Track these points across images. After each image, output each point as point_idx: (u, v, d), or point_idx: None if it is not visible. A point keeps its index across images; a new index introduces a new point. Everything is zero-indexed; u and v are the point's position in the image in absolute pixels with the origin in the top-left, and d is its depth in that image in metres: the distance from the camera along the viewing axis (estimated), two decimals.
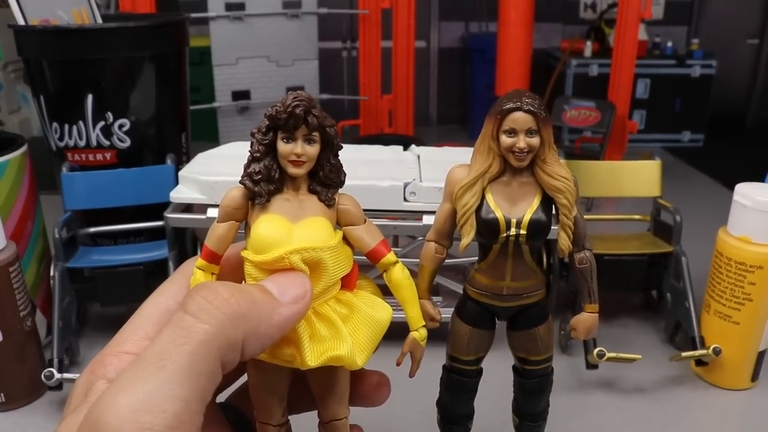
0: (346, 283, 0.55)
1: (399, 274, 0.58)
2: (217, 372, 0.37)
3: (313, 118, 0.52)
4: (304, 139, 0.52)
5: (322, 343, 0.50)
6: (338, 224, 0.57)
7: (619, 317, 1.37)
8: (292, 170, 0.53)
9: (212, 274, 0.53)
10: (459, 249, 0.65)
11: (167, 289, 0.51)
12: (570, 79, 3.08)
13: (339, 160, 0.56)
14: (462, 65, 3.67)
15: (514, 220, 0.64)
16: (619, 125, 2.66)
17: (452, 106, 3.84)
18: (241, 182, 0.54)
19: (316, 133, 0.53)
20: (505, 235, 0.64)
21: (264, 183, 0.53)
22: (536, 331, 0.69)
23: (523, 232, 0.63)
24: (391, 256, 0.58)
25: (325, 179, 0.55)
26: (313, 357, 0.49)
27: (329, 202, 0.55)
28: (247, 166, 0.54)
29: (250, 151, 0.54)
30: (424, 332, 0.61)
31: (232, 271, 0.54)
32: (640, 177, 1.42)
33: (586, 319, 0.68)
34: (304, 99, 0.52)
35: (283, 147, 0.52)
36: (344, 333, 0.51)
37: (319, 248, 0.51)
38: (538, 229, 0.64)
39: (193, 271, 0.53)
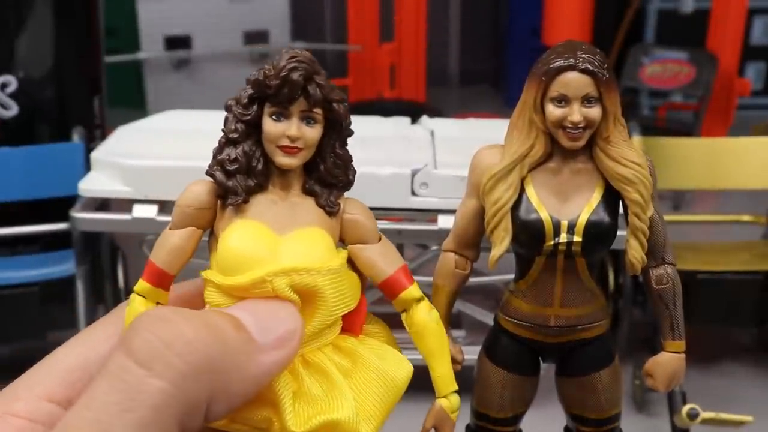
0: (350, 324, 0.56)
1: (425, 317, 0.58)
2: None
3: (316, 88, 0.53)
4: (301, 116, 0.53)
5: (311, 405, 0.51)
6: (341, 241, 0.57)
7: (721, 361, 1.39)
8: (282, 160, 0.53)
9: (157, 304, 0.53)
10: (488, 263, 0.66)
11: (92, 335, 0.51)
12: (652, 17, 3.10)
13: (347, 151, 0.57)
14: (495, 1, 3.69)
15: (564, 223, 0.64)
16: (723, 85, 2.69)
17: (481, 58, 3.87)
18: (208, 173, 0.54)
19: (318, 110, 0.53)
20: (552, 243, 0.64)
21: (241, 176, 0.53)
22: (597, 378, 0.70)
23: (577, 239, 0.64)
24: (414, 290, 0.58)
25: (328, 176, 0.56)
26: (297, 422, 0.49)
27: (331, 209, 0.56)
28: (218, 151, 0.54)
29: (223, 131, 0.55)
30: (456, 401, 0.61)
31: (184, 305, 0.52)
32: (753, 160, 1.43)
33: (668, 361, 0.68)
34: (305, 61, 0.52)
35: (271, 126, 0.53)
36: (345, 391, 0.52)
37: (314, 270, 0.51)
38: (598, 234, 0.64)
39: (131, 298, 0.53)
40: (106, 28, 1.72)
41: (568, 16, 2.61)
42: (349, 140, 1.31)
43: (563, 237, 0.65)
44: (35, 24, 1.48)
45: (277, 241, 0.52)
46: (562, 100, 0.63)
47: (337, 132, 0.56)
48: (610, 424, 0.72)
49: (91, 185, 1.40)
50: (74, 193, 1.36)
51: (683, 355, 0.69)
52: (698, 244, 1.42)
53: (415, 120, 1.75)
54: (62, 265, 1.35)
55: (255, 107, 0.53)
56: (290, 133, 0.53)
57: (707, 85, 2.67)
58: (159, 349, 0.38)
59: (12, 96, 1.48)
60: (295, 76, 0.52)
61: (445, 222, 1.37)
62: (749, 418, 1.09)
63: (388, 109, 2.12)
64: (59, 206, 1.41)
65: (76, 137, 1.50)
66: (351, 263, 0.57)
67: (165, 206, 1.36)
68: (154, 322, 0.39)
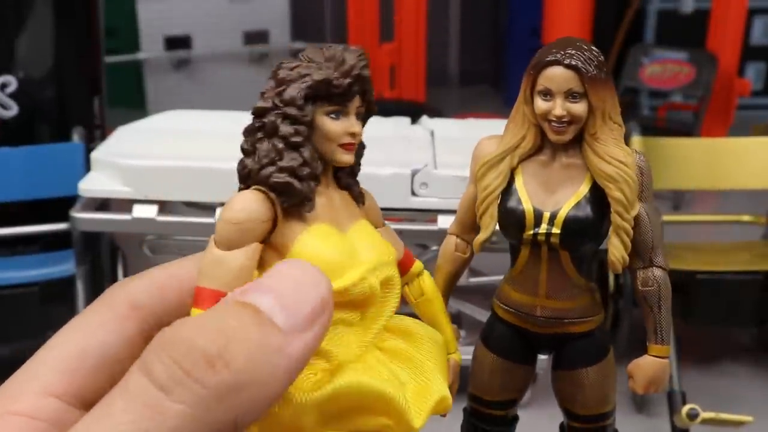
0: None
1: (431, 284, 0.63)
2: None
3: (368, 84, 0.54)
4: (356, 113, 0.54)
5: (407, 391, 0.52)
6: None
7: (721, 361, 1.39)
8: (344, 157, 0.53)
9: None
10: (474, 245, 0.69)
11: (85, 321, 0.50)
12: (652, 18, 3.10)
13: None
14: (495, 1, 3.69)
15: (546, 214, 0.65)
16: (723, 85, 2.69)
17: (481, 59, 3.87)
18: (276, 182, 0.51)
19: (363, 105, 0.54)
20: (531, 233, 0.66)
21: (310, 181, 0.51)
22: (584, 374, 0.70)
23: (555, 230, 0.65)
24: (419, 264, 0.63)
25: (357, 168, 0.57)
26: (416, 413, 0.51)
27: (361, 199, 0.57)
28: (275, 157, 0.51)
29: (280, 135, 0.52)
30: (460, 354, 0.65)
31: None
32: (753, 161, 1.43)
33: (649, 365, 0.68)
34: (366, 57, 0.53)
35: (333, 125, 0.52)
36: (431, 367, 0.55)
37: (390, 261, 0.54)
38: (580, 229, 0.65)
39: None
40: (106, 28, 1.72)
41: (568, 16, 2.61)
42: None
43: (543, 228, 0.66)
44: (35, 24, 1.48)
45: (345, 240, 0.52)
46: (548, 94, 0.64)
47: (365, 122, 0.57)
48: (600, 422, 0.72)
49: (91, 185, 1.40)
50: (74, 193, 1.36)
51: (666, 361, 0.69)
52: (698, 244, 1.43)
53: (415, 120, 1.75)
54: (62, 265, 1.35)
55: (310, 107, 0.52)
56: (355, 130, 0.53)
57: (707, 86, 2.67)
58: (178, 374, 0.36)
59: (12, 96, 1.48)
60: (366, 73, 0.53)
61: (444, 222, 1.37)
62: (749, 418, 1.09)
63: (388, 109, 2.12)
64: (59, 206, 1.41)
65: (76, 137, 1.50)
66: None
67: (165, 206, 1.36)
68: (172, 343, 0.38)
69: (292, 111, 0.51)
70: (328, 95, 0.52)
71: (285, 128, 0.51)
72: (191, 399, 0.36)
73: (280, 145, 0.51)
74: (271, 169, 0.51)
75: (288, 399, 0.48)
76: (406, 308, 0.63)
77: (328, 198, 0.54)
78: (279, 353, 0.39)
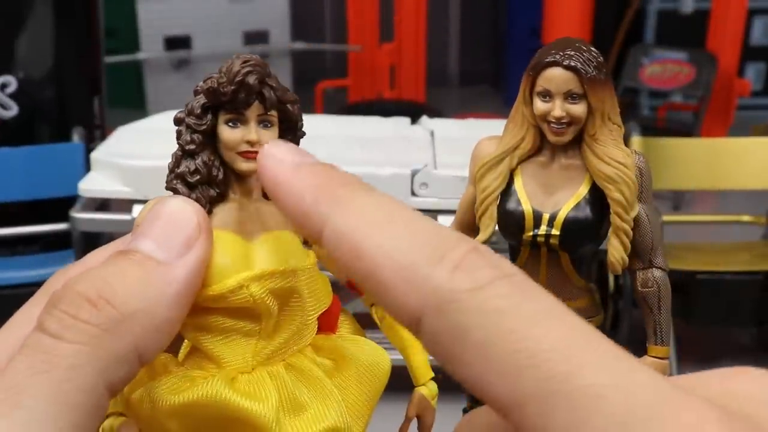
0: (326, 323, 0.56)
1: None
2: (99, 401, 0.39)
3: (270, 90, 0.53)
4: (258, 121, 0.53)
5: (301, 415, 0.51)
6: (305, 242, 0.57)
7: (721, 361, 1.39)
8: (243, 165, 0.53)
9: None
10: None
11: (28, 314, 0.52)
12: (652, 18, 3.11)
13: None
14: (495, 1, 3.69)
15: (546, 216, 0.66)
16: (723, 86, 2.69)
17: (481, 59, 3.88)
18: (169, 188, 0.54)
19: (273, 113, 0.54)
20: (531, 234, 0.66)
21: (203, 187, 0.53)
22: None
23: (555, 232, 0.66)
24: None
25: None
26: None
27: None
28: (175, 164, 0.54)
29: (179, 143, 0.55)
30: (434, 387, 0.61)
31: None
32: (753, 161, 1.44)
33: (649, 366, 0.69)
34: (258, 64, 0.53)
35: (229, 133, 0.53)
36: (332, 393, 0.52)
37: (288, 272, 0.52)
38: (579, 230, 0.66)
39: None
40: (106, 28, 1.72)
41: (567, 16, 2.62)
42: (348, 140, 1.29)
43: (542, 229, 0.66)
44: (35, 24, 1.48)
45: (247, 248, 0.52)
46: (547, 95, 0.64)
47: (292, 133, 0.56)
48: None
49: (91, 185, 1.40)
50: (74, 193, 1.36)
51: (666, 362, 0.69)
52: (698, 244, 1.43)
53: (415, 120, 1.75)
54: (62, 265, 1.35)
55: (209, 116, 0.54)
56: (250, 137, 0.53)
57: (707, 86, 2.67)
58: (66, 320, 0.39)
59: (12, 96, 1.49)
60: (251, 80, 0.52)
61: (445, 222, 1.37)
62: None
63: (388, 109, 2.12)
64: (59, 206, 1.41)
65: (76, 137, 1.50)
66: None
67: None
68: (58, 298, 0.41)
69: (191, 120, 0.54)
70: (221, 104, 0.53)
71: (185, 137, 0.54)
72: (83, 337, 0.39)
73: (179, 153, 0.54)
74: (170, 176, 0.54)
75: (153, 399, 0.50)
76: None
77: (242, 205, 0.54)
78: (162, 281, 0.42)
